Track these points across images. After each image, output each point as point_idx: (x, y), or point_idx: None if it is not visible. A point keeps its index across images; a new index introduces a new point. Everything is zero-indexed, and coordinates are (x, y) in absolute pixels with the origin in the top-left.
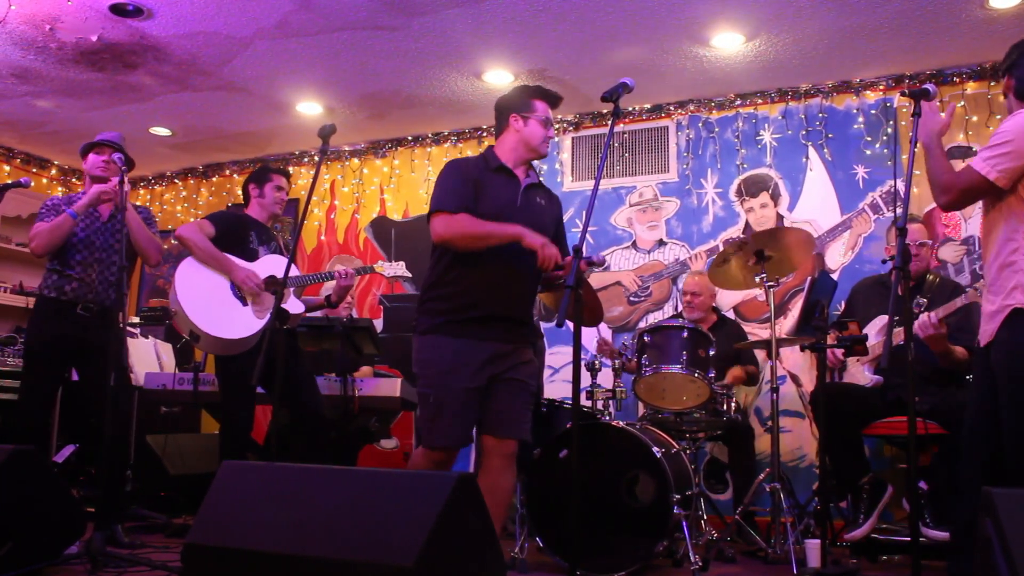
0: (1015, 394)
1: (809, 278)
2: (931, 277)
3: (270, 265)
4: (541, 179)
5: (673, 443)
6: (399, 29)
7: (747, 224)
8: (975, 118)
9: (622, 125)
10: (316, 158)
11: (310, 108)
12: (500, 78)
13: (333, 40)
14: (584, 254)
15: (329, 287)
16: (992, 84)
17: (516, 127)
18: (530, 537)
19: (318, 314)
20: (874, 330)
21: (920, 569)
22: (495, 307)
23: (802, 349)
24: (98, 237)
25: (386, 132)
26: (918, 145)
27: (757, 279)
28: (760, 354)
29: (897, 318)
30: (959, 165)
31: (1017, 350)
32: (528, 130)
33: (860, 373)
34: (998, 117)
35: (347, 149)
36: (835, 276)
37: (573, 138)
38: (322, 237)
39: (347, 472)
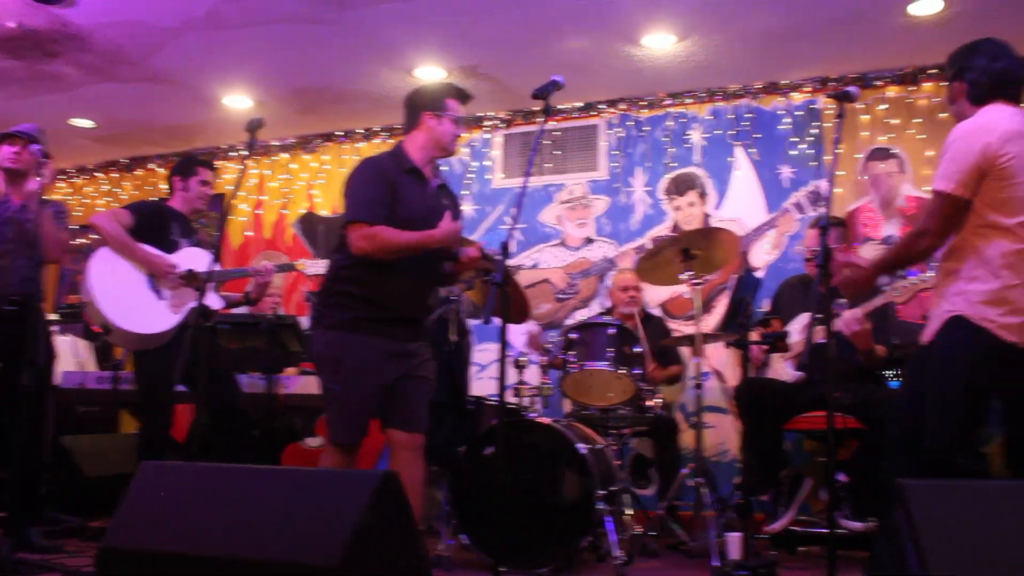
0: (943, 389)
1: (734, 276)
2: None
3: (190, 259)
4: (472, 176)
5: (599, 439)
6: (331, 23)
7: (675, 222)
8: (896, 121)
9: (553, 123)
10: (244, 152)
11: (239, 101)
12: (432, 74)
13: (264, 32)
14: (508, 251)
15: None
16: (911, 88)
17: (429, 125)
18: (456, 535)
19: (244, 311)
20: (797, 327)
21: (836, 559)
22: (403, 308)
23: (727, 346)
24: (9, 228)
25: (316, 127)
26: (841, 146)
27: (683, 276)
28: (686, 351)
29: (819, 316)
30: (879, 166)
31: (950, 351)
32: (441, 128)
33: (783, 369)
34: (916, 120)
35: (276, 144)
36: (760, 274)
37: (505, 135)
38: (248, 233)
39: (270, 471)
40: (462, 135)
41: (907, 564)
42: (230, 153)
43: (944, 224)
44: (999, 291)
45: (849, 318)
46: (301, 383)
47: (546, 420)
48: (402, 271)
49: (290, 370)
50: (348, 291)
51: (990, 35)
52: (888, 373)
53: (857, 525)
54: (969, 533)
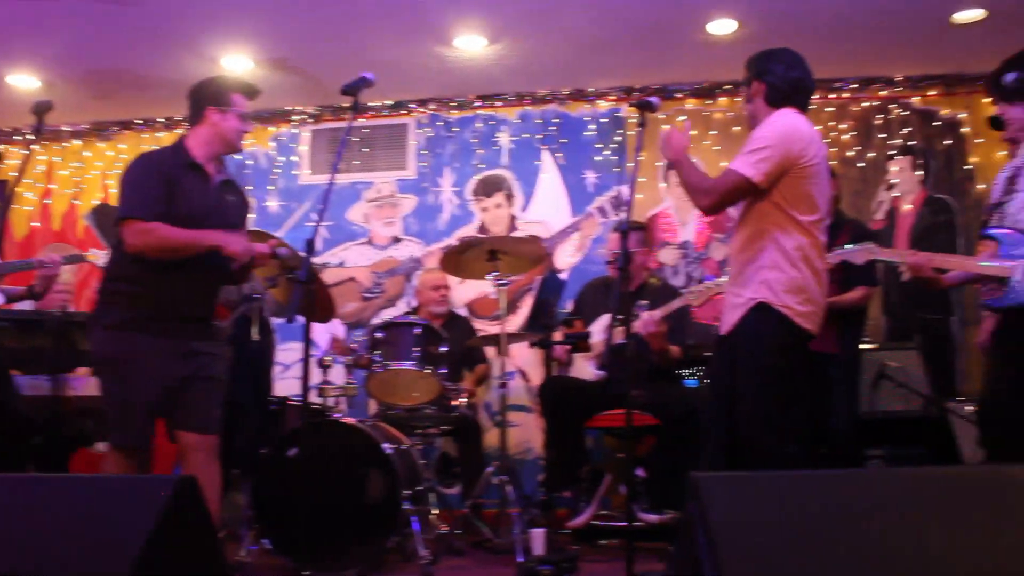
0: (751, 375)
1: (539, 277)
2: (653, 281)
3: None
4: (279, 171)
5: (404, 439)
6: (132, 4)
7: (482, 223)
8: (695, 132)
9: (362, 120)
10: (30, 136)
11: (25, 81)
12: (239, 64)
13: (52, 7)
14: (314, 248)
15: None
16: (708, 102)
17: (213, 120)
18: (258, 539)
19: (27, 306)
20: (599, 328)
21: (634, 551)
22: (185, 307)
23: (531, 345)
24: None
25: (113, 113)
26: (642, 154)
27: (489, 277)
28: (491, 350)
29: (619, 317)
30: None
31: (756, 337)
32: (225, 124)
33: (585, 369)
34: (712, 132)
35: (67, 129)
36: (564, 276)
37: (313, 131)
38: (35, 223)
39: (52, 479)
40: (248, 131)
41: (699, 555)
42: (15, 137)
43: (728, 200)
44: (798, 280)
45: (647, 320)
46: (90, 384)
47: (351, 420)
48: (183, 269)
49: (81, 370)
50: (126, 290)
51: None
52: (683, 372)
53: (654, 518)
54: (761, 524)
